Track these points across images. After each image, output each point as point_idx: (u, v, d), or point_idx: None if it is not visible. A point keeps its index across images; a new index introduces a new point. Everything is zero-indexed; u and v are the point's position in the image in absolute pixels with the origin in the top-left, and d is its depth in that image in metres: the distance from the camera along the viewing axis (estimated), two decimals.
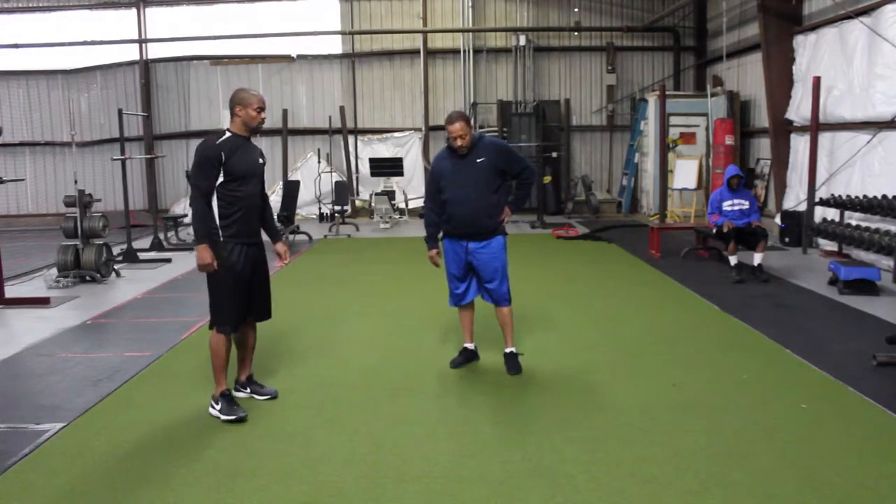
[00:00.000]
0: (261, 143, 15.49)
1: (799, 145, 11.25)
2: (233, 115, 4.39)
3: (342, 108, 16.35)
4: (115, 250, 9.91)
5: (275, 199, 14.94)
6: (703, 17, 16.31)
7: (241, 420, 4.30)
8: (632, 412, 4.33)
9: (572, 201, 16.34)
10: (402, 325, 6.59)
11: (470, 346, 5.32)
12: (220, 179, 4.26)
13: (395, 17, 16.66)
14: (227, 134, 4.36)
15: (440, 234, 5.16)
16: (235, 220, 4.31)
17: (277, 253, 4.63)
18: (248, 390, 4.70)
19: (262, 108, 4.39)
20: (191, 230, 14.50)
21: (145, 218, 15.35)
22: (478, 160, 4.90)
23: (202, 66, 17.26)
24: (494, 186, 4.94)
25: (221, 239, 4.29)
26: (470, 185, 4.88)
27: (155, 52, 17.28)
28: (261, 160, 4.51)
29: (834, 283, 7.63)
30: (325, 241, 12.65)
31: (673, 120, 14.03)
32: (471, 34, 16.54)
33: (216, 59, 17.14)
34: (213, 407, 4.41)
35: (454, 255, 5.06)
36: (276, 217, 12.17)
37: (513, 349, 5.17)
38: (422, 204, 5.65)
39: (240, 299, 4.39)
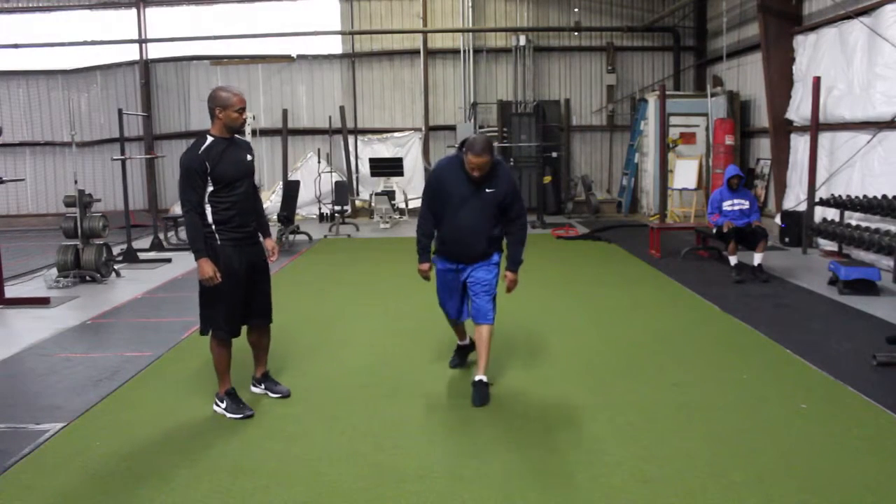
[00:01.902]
0: (261, 143, 15.51)
1: (799, 145, 11.25)
2: (213, 117, 4.23)
3: (342, 108, 16.34)
4: (115, 250, 9.91)
5: (275, 199, 14.97)
6: (703, 17, 16.31)
7: (247, 418, 4.31)
8: (632, 412, 4.33)
9: (572, 201, 16.35)
10: (402, 325, 6.59)
11: (464, 342, 5.24)
12: (210, 188, 4.16)
13: (395, 17, 16.66)
14: (209, 139, 4.21)
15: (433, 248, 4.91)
16: (232, 224, 4.25)
17: (266, 249, 4.57)
18: (263, 387, 4.73)
19: (243, 109, 4.23)
20: None
21: (145, 218, 15.34)
22: (488, 190, 4.54)
23: (202, 66, 17.26)
24: (497, 220, 4.63)
25: (219, 243, 4.23)
26: (474, 214, 4.56)
27: (155, 52, 17.28)
28: (248, 157, 4.36)
29: (834, 283, 7.63)
30: (325, 241, 12.65)
31: (673, 120, 14.02)
32: (471, 34, 16.53)
33: (216, 59, 17.14)
34: (218, 405, 4.42)
35: (446, 277, 4.80)
36: (276, 216, 12.11)
37: (483, 377, 4.63)
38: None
39: (236, 303, 4.34)
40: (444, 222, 4.67)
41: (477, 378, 4.64)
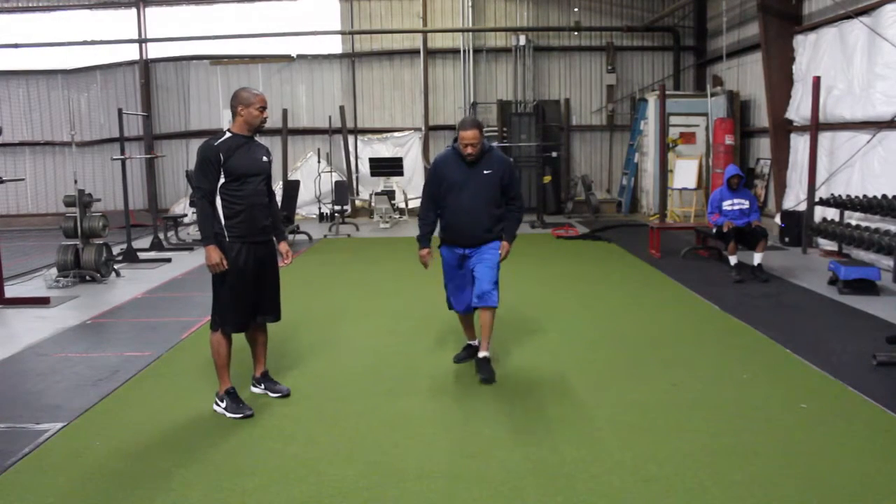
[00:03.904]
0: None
1: (799, 145, 11.25)
2: (235, 114, 4.41)
3: (342, 108, 16.35)
4: (115, 250, 9.91)
5: None
6: (703, 17, 16.31)
7: (246, 417, 4.32)
8: (632, 412, 4.33)
9: (572, 201, 16.35)
10: (402, 325, 6.59)
11: (474, 342, 5.30)
12: (222, 180, 4.30)
13: (395, 17, 16.66)
14: (227, 134, 4.38)
15: (436, 235, 5.11)
16: (240, 220, 4.34)
17: (280, 252, 4.67)
18: (263, 386, 4.74)
19: (263, 108, 4.41)
20: (190, 230, 14.44)
21: (145, 218, 15.34)
22: (485, 171, 4.83)
23: (202, 66, 17.25)
24: (498, 201, 4.90)
25: (227, 239, 4.33)
26: (475, 195, 4.82)
27: (155, 52, 17.27)
28: (265, 158, 4.50)
29: (834, 282, 7.63)
30: (325, 241, 12.66)
31: (673, 120, 14.03)
32: (471, 34, 16.53)
33: (216, 59, 17.13)
34: (218, 405, 4.43)
35: (452, 263, 5.00)
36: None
37: (487, 354, 4.97)
38: None
39: (243, 300, 4.40)
40: (446, 209, 4.91)
41: (481, 355, 4.95)
